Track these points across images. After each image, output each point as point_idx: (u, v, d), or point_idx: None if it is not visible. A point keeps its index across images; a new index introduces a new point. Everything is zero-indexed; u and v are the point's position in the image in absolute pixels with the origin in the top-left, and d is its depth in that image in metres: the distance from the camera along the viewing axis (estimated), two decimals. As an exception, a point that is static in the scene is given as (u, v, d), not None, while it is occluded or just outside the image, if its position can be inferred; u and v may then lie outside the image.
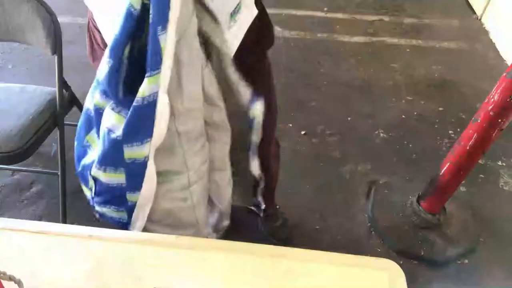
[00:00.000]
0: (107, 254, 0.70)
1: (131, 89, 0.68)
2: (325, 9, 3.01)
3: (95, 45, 0.86)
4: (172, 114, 0.72)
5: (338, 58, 2.53)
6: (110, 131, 0.72)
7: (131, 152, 0.72)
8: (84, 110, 0.80)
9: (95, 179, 0.80)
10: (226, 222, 1.02)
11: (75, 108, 1.60)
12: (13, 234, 0.72)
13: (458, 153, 1.30)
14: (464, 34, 2.77)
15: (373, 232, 1.61)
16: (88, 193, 0.86)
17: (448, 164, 1.35)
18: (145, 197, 0.79)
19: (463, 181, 1.44)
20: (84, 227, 0.74)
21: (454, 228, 1.57)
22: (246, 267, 0.68)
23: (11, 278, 0.57)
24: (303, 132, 2.02)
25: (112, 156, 0.74)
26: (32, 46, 1.42)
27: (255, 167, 0.94)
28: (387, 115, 2.13)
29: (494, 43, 2.66)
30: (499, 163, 1.88)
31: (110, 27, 0.68)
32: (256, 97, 0.80)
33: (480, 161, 1.72)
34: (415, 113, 2.15)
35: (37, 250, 0.70)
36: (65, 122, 1.48)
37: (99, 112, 0.75)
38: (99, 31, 0.81)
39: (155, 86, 0.65)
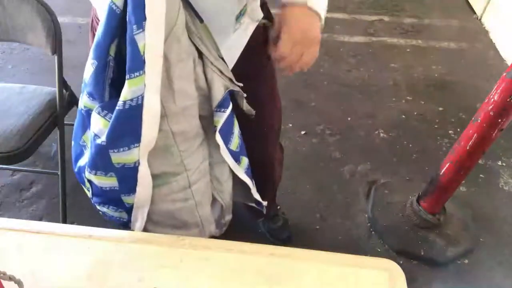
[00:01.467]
0: (107, 254, 0.70)
1: (120, 92, 0.66)
2: (325, 9, 3.01)
3: None
4: (165, 114, 0.70)
5: (338, 58, 2.54)
6: (96, 135, 0.70)
7: (118, 157, 0.70)
8: (78, 109, 0.78)
9: (90, 181, 0.79)
10: (228, 217, 1.01)
11: (75, 108, 1.60)
12: (13, 234, 0.72)
13: (458, 153, 1.30)
14: (464, 34, 2.77)
15: (373, 232, 1.61)
16: (88, 193, 0.85)
17: (448, 164, 1.35)
18: (141, 199, 0.78)
19: (463, 181, 1.44)
20: (84, 227, 0.74)
21: (454, 228, 1.57)
22: (246, 267, 0.68)
23: (11, 278, 0.57)
24: (303, 132, 2.02)
25: (100, 161, 0.72)
26: (32, 46, 1.42)
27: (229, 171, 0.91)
28: (387, 115, 2.13)
29: (494, 43, 2.66)
30: (499, 163, 1.88)
31: None
32: (226, 106, 0.77)
33: (480, 161, 1.72)
34: (415, 113, 2.15)
35: (37, 250, 0.70)
36: (65, 122, 1.49)
37: (88, 113, 0.73)
38: None
39: (137, 89, 0.62)
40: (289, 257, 0.70)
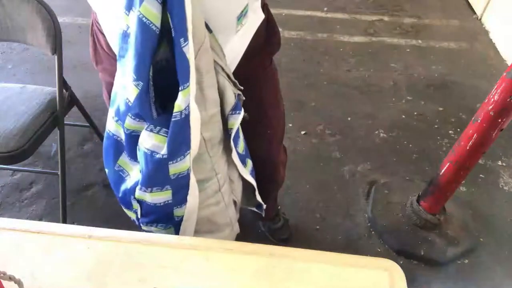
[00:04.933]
0: (107, 254, 0.70)
1: (161, 107, 0.68)
2: (325, 9, 3.01)
3: (99, 48, 0.85)
4: None
5: (338, 58, 2.54)
6: (153, 152, 0.71)
7: (175, 168, 0.72)
8: (107, 134, 0.79)
9: (139, 202, 0.80)
10: (237, 215, 1.03)
11: (75, 108, 1.61)
12: (13, 234, 0.72)
13: (458, 153, 1.30)
14: (464, 34, 2.78)
15: (373, 232, 1.61)
16: (133, 216, 0.85)
17: (448, 164, 1.35)
18: (191, 208, 0.79)
19: (463, 181, 1.44)
20: (84, 227, 0.74)
21: (454, 228, 1.57)
22: (246, 267, 0.68)
23: (11, 278, 0.57)
24: (303, 132, 2.02)
25: (159, 176, 0.73)
26: (32, 46, 1.42)
27: (240, 173, 0.92)
28: (387, 115, 2.13)
29: (494, 43, 2.67)
30: (499, 163, 1.88)
31: (115, 30, 0.67)
32: (239, 108, 0.79)
33: (480, 161, 1.73)
34: (415, 113, 2.15)
35: (37, 250, 0.70)
36: (65, 122, 1.49)
37: (132, 135, 0.74)
38: (103, 34, 0.81)
39: (187, 98, 0.65)
40: (289, 257, 0.70)
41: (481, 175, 1.82)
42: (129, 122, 0.72)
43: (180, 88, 0.64)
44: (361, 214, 1.67)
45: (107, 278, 0.66)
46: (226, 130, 0.81)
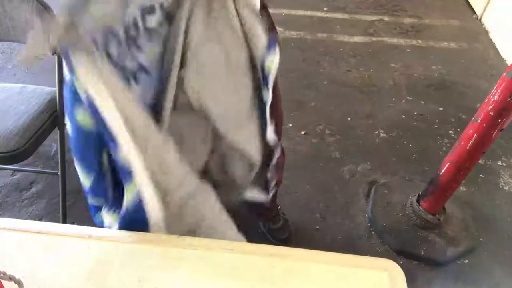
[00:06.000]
0: (107, 254, 0.70)
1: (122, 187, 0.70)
2: (325, 9, 3.01)
3: None
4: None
5: (338, 58, 2.54)
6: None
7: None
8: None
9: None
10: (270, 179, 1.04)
11: (75, 108, 1.60)
12: (13, 234, 0.72)
13: (458, 153, 1.30)
14: (464, 34, 2.78)
15: (373, 232, 1.61)
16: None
17: (448, 164, 1.35)
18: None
19: (463, 181, 1.44)
20: (84, 227, 0.74)
21: (454, 228, 1.57)
22: (246, 267, 0.68)
23: (11, 278, 0.57)
24: (303, 132, 2.02)
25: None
26: (32, 46, 1.42)
27: (270, 133, 0.87)
28: (387, 115, 2.13)
29: (494, 43, 2.67)
30: (499, 163, 1.88)
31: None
32: (273, 45, 0.74)
33: (480, 161, 1.72)
34: (415, 113, 2.15)
35: (37, 250, 0.70)
36: (65, 122, 1.48)
37: (95, 206, 0.78)
38: None
39: (136, 194, 0.67)
40: (289, 257, 0.70)
41: (481, 175, 1.82)
42: (90, 200, 0.75)
43: (125, 187, 0.66)
44: (361, 214, 1.67)
45: (107, 278, 0.66)
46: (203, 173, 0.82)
